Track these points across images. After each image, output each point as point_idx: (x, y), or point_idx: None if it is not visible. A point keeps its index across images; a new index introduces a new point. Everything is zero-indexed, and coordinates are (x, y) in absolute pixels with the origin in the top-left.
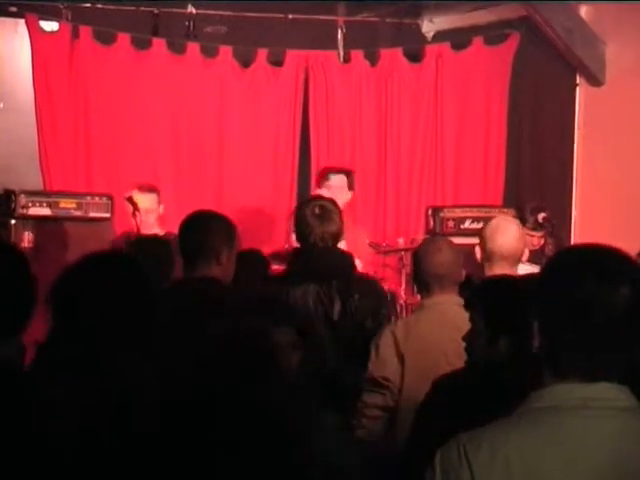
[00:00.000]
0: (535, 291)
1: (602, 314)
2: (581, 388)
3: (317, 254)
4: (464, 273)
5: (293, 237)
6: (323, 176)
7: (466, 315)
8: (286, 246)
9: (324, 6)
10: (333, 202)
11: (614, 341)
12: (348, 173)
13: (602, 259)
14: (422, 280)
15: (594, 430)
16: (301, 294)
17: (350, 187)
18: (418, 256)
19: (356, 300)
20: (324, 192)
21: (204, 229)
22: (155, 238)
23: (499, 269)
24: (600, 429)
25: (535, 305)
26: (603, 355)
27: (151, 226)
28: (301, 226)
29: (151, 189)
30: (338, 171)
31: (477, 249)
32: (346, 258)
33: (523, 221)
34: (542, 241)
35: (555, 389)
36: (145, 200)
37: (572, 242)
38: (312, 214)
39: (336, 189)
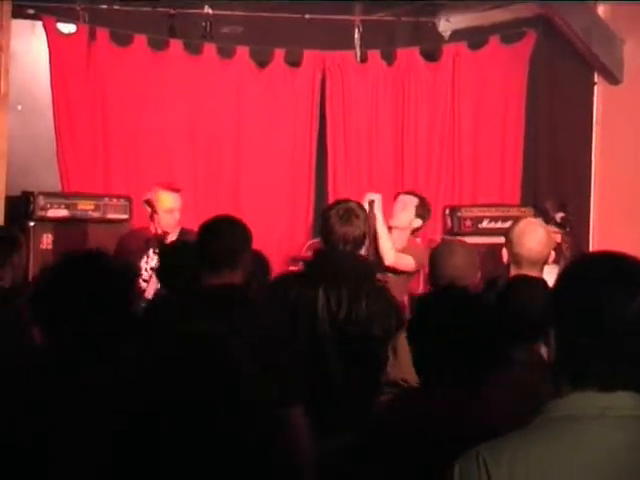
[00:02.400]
0: (551, 300)
1: (619, 322)
2: (599, 397)
3: (333, 257)
4: (479, 275)
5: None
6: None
7: None
8: (304, 249)
9: (341, 6)
10: (359, 205)
11: (631, 349)
12: (420, 197)
13: (619, 267)
14: (437, 283)
15: (613, 439)
16: (311, 296)
17: (418, 212)
18: (433, 259)
19: (364, 306)
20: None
21: (229, 235)
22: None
23: (526, 272)
24: (619, 438)
25: (552, 314)
26: (621, 364)
27: (172, 226)
28: (325, 227)
29: (175, 189)
30: (411, 193)
31: (504, 251)
32: (364, 265)
33: (546, 220)
34: (559, 239)
35: (572, 398)
36: (173, 199)
37: (590, 241)
38: (336, 215)
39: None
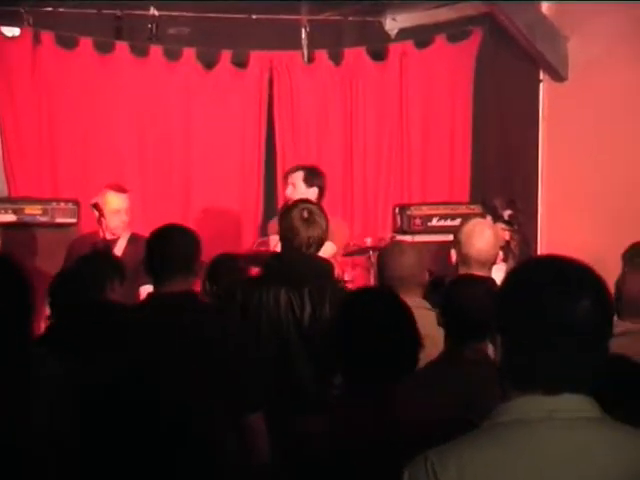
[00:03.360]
0: (497, 304)
1: (563, 326)
2: (546, 400)
3: (295, 259)
4: (428, 275)
5: (275, 239)
6: (284, 175)
7: (432, 319)
8: (255, 247)
9: (288, 6)
10: (319, 207)
11: (577, 352)
12: (305, 168)
13: (563, 271)
14: (386, 283)
15: (560, 442)
16: (273, 298)
17: (308, 183)
18: (381, 259)
19: (327, 309)
20: (288, 191)
21: (182, 242)
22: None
23: (475, 272)
24: (566, 440)
25: (497, 318)
26: (566, 366)
27: (121, 228)
28: (286, 229)
29: (124, 189)
30: (296, 168)
31: (452, 252)
32: (323, 266)
33: (495, 217)
34: (507, 237)
35: (519, 402)
36: (121, 200)
37: (539, 238)
38: (299, 217)
39: (294, 185)
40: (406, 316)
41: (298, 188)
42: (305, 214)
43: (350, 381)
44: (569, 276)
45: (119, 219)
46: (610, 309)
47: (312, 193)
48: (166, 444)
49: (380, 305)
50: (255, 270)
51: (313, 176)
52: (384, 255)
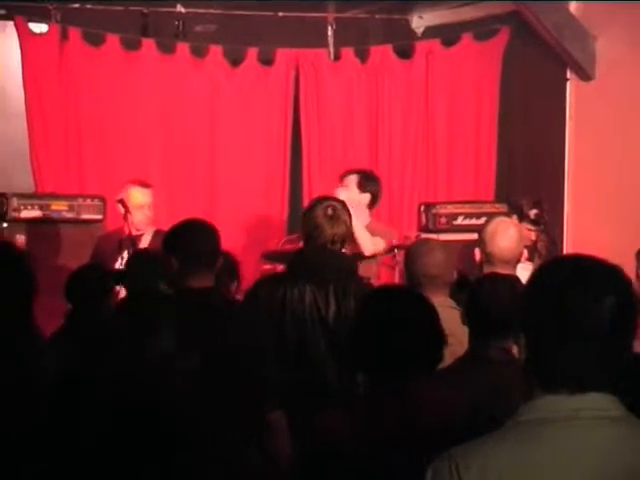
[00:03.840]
0: (521, 303)
1: (588, 326)
2: (571, 399)
3: (319, 256)
4: (456, 273)
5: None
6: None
7: (458, 317)
8: (280, 244)
9: (314, 3)
10: (343, 203)
11: (601, 352)
12: (360, 173)
13: (587, 271)
14: (413, 281)
15: (586, 441)
16: (298, 295)
17: (362, 189)
18: (410, 257)
19: (351, 306)
20: (341, 193)
21: (206, 237)
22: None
23: (499, 271)
24: (592, 439)
25: (522, 318)
26: (591, 366)
27: (144, 223)
28: (311, 226)
29: (147, 185)
30: (352, 171)
31: (476, 251)
32: (347, 262)
33: (520, 217)
34: (532, 237)
35: (545, 401)
36: (144, 195)
37: (564, 238)
38: (324, 215)
39: (347, 188)
40: (429, 314)
41: (350, 191)
42: (329, 211)
43: (373, 379)
44: (594, 275)
45: (142, 214)
46: (635, 309)
47: (364, 198)
48: (181, 442)
49: (403, 303)
50: (281, 268)
51: (367, 181)
52: (412, 253)
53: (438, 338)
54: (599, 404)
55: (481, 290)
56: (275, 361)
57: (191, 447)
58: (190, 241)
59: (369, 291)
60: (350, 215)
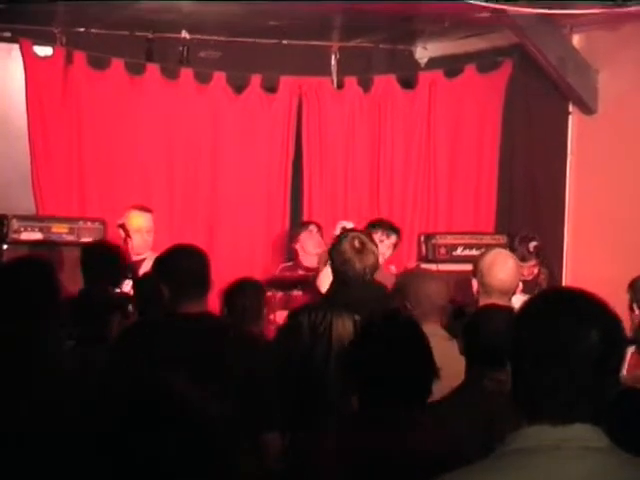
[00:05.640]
0: (510, 334)
1: (574, 357)
2: (556, 430)
3: (354, 286)
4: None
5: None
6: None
7: (450, 349)
8: (278, 271)
9: (318, 31)
10: (369, 235)
11: (587, 384)
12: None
13: (573, 304)
14: (406, 309)
15: (569, 471)
16: (341, 324)
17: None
18: (402, 285)
19: None
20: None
21: (197, 262)
22: None
23: (495, 302)
24: (574, 470)
25: (510, 347)
26: (575, 397)
27: (144, 248)
28: (339, 259)
29: (147, 210)
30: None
31: (474, 282)
32: (381, 290)
33: (512, 250)
34: (534, 270)
35: (530, 431)
36: (143, 219)
37: (564, 270)
38: (352, 248)
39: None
40: (422, 344)
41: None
42: (357, 244)
43: (363, 404)
44: (579, 309)
45: (141, 238)
46: (620, 342)
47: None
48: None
49: (395, 331)
50: (279, 295)
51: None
52: (406, 282)
53: (430, 368)
54: (583, 435)
55: (481, 322)
56: (273, 382)
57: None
58: (176, 266)
59: (365, 318)
60: (376, 244)
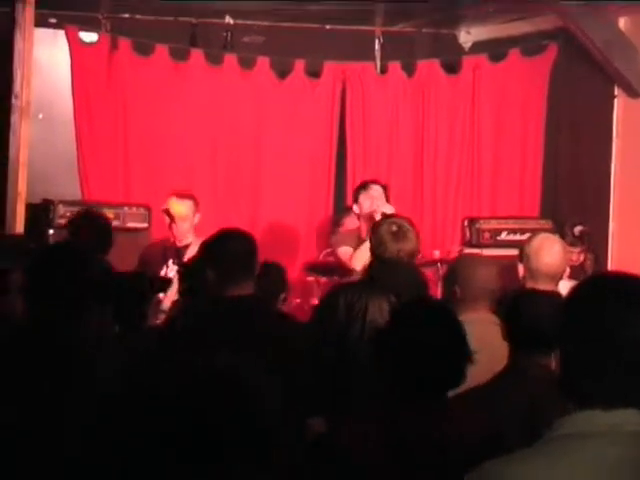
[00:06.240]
0: (560, 319)
1: (623, 342)
2: (607, 414)
3: (390, 270)
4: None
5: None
6: (362, 187)
7: (499, 334)
8: (322, 257)
9: (361, 17)
10: (409, 221)
11: (636, 369)
12: (384, 186)
13: (624, 287)
14: (457, 296)
15: (619, 456)
16: (377, 308)
17: (387, 200)
18: (455, 271)
19: None
20: (366, 203)
21: (245, 246)
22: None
23: (542, 287)
24: (627, 455)
25: (559, 333)
26: (626, 382)
27: (186, 235)
28: (376, 243)
29: (187, 197)
30: (376, 182)
31: (520, 267)
32: (418, 275)
33: (562, 235)
34: (581, 257)
35: (579, 416)
36: (180, 207)
37: (609, 255)
38: (388, 232)
39: (378, 199)
40: (454, 328)
41: (383, 202)
42: (394, 228)
43: (396, 388)
44: (632, 293)
45: (183, 225)
46: None
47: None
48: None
49: (430, 322)
50: (322, 280)
51: (388, 195)
52: (456, 266)
53: (464, 354)
54: (633, 419)
55: (521, 305)
56: (324, 368)
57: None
58: (223, 250)
59: (398, 306)
60: (417, 231)
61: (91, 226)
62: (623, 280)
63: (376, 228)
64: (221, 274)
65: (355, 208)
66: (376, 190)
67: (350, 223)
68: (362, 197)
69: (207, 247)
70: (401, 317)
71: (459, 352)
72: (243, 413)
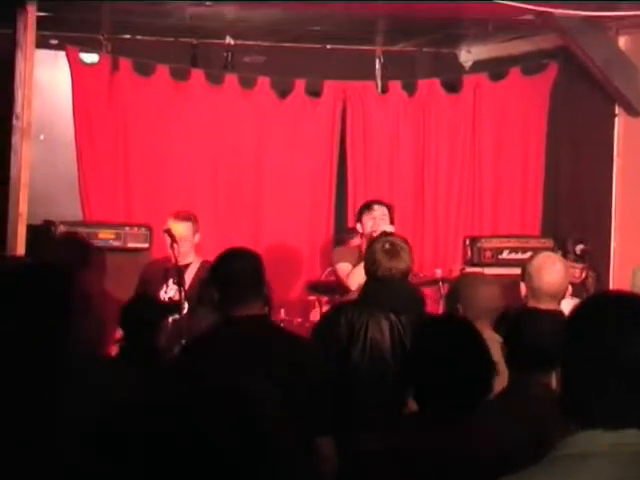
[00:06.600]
0: (562, 339)
1: (624, 360)
2: (609, 434)
3: (384, 288)
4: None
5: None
6: (366, 207)
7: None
8: (324, 276)
9: (362, 36)
10: (404, 240)
11: (638, 387)
12: (389, 206)
13: (626, 306)
14: (460, 313)
15: (621, 477)
16: (377, 326)
17: (391, 221)
18: (458, 289)
19: None
20: (369, 223)
21: (253, 266)
22: None
23: (544, 306)
24: (627, 476)
25: (561, 353)
26: (627, 401)
27: (186, 255)
28: (369, 261)
29: (187, 217)
30: (380, 202)
31: (522, 285)
32: (415, 293)
33: (564, 253)
34: (583, 274)
35: (582, 436)
36: (180, 228)
37: (611, 274)
38: (382, 249)
39: (380, 219)
40: (482, 347)
41: (386, 222)
42: (387, 246)
43: (425, 405)
44: (633, 312)
45: (181, 245)
46: None
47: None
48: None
49: (457, 335)
50: (324, 299)
51: (392, 215)
52: (459, 285)
53: (489, 370)
54: (637, 440)
55: (523, 324)
56: (332, 388)
57: None
58: (228, 269)
59: (424, 321)
60: (411, 250)
61: (64, 244)
62: (625, 299)
63: (370, 246)
64: (229, 294)
65: (358, 227)
66: (379, 210)
67: (355, 242)
68: (365, 217)
69: (213, 267)
70: (427, 334)
71: (487, 362)
72: (243, 418)
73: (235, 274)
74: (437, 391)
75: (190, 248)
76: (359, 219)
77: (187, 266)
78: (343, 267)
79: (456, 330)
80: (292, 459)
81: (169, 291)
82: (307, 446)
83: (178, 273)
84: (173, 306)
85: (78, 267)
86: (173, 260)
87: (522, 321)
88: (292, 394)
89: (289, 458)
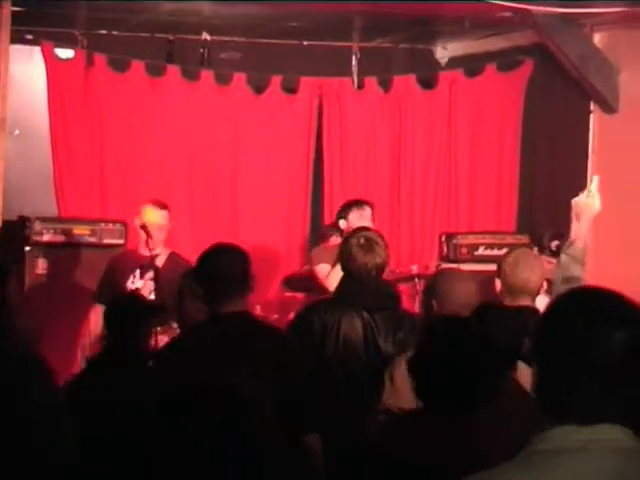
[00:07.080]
0: (533, 335)
1: (599, 358)
2: (582, 430)
3: (358, 284)
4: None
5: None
6: (356, 205)
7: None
8: (300, 271)
9: (338, 32)
10: (380, 235)
11: (613, 384)
12: (372, 206)
13: (598, 302)
14: (438, 310)
15: (595, 472)
16: (350, 324)
17: (372, 220)
18: (435, 285)
19: (400, 335)
20: (356, 218)
21: (238, 261)
22: None
23: (519, 302)
24: (601, 471)
25: (534, 349)
26: (599, 397)
27: (159, 244)
28: (344, 256)
29: (164, 206)
30: (368, 202)
31: (497, 282)
32: (388, 288)
33: (540, 249)
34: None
35: (555, 432)
36: (158, 216)
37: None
38: (357, 244)
39: (366, 219)
40: (481, 347)
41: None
42: (362, 241)
43: (430, 406)
44: (605, 308)
45: (156, 235)
46: None
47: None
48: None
49: (455, 337)
50: (300, 295)
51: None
52: (435, 281)
53: (489, 370)
54: (611, 436)
55: (485, 320)
56: (315, 385)
57: None
58: (212, 265)
59: (429, 321)
60: (387, 245)
61: None
62: (597, 295)
63: (346, 241)
64: (214, 290)
65: (342, 223)
66: (368, 210)
67: (335, 241)
68: (353, 215)
69: (198, 263)
70: (433, 336)
71: (485, 367)
72: (229, 418)
73: (220, 270)
74: (437, 391)
75: (163, 238)
76: (344, 216)
77: (155, 257)
78: (322, 269)
79: (456, 330)
80: (278, 458)
81: (136, 281)
82: (293, 444)
83: (146, 264)
84: (157, 305)
85: None
86: (142, 252)
87: (485, 319)
88: (277, 393)
89: (275, 457)
